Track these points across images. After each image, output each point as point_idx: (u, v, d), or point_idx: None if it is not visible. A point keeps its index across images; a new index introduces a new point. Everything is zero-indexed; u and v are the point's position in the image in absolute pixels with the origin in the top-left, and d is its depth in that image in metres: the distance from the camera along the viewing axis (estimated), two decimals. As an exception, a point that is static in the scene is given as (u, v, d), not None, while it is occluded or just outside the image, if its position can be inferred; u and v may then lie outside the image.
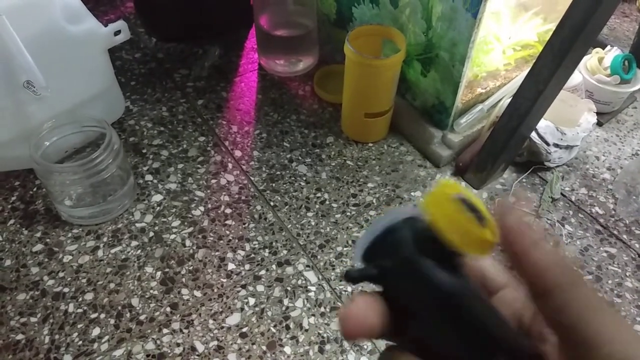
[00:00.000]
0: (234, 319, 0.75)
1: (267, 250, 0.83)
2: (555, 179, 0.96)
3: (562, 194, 0.95)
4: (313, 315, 0.76)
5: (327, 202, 0.91)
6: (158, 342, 0.72)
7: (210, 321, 0.74)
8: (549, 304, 0.19)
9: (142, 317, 0.74)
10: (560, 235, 0.89)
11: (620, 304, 0.80)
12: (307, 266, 0.81)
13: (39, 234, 0.83)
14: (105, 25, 0.87)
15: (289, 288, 0.79)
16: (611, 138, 1.07)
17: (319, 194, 0.92)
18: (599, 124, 1.08)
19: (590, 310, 0.18)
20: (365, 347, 0.73)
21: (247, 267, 0.81)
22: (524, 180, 0.97)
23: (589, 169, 1.00)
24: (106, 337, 0.72)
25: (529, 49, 1.01)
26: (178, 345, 0.72)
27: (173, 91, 1.09)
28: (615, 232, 0.90)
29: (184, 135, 1.00)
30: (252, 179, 0.94)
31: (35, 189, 0.89)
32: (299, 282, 0.80)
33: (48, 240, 0.83)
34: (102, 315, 0.74)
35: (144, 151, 0.97)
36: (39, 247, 0.82)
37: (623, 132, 1.08)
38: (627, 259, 0.86)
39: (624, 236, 0.89)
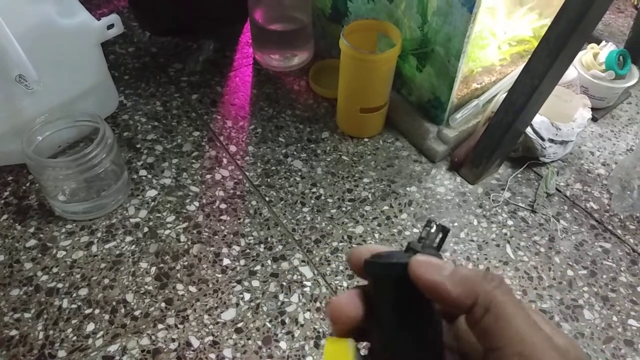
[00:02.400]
0: (229, 314, 0.75)
1: (262, 246, 0.83)
2: (550, 174, 0.96)
3: (557, 189, 0.96)
4: (308, 310, 0.76)
5: (323, 198, 0.90)
6: (153, 337, 0.72)
7: (206, 316, 0.74)
8: (471, 318, 0.21)
9: (136, 313, 0.74)
10: (555, 230, 0.89)
11: (614, 298, 0.81)
12: (303, 261, 0.81)
13: (32, 230, 0.83)
14: (98, 19, 0.86)
15: (284, 283, 0.79)
16: (606, 133, 1.07)
17: (314, 189, 0.92)
18: (594, 119, 1.09)
19: (500, 318, 0.20)
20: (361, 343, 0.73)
21: (242, 262, 0.81)
22: (519, 175, 0.97)
23: (583, 164, 1.01)
24: (101, 333, 0.72)
25: (524, 44, 1.01)
26: (173, 340, 0.72)
27: (167, 86, 1.08)
28: (610, 227, 0.90)
29: (178, 130, 1.00)
30: (247, 174, 0.93)
31: (28, 184, 0.89)
32: (295, 277, 0.79)
33: (42, 235, 0.82)
34: (97, 311, 0.74)
35: (138, 146, 0.96)
36: (32, 242, 0.81)
37: (618, 128, 1.09)
38: (621, 254, 0.87)
39: (619, 231, 0.90)
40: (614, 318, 0.78)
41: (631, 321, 0.78)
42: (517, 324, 0.20)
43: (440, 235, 0.25)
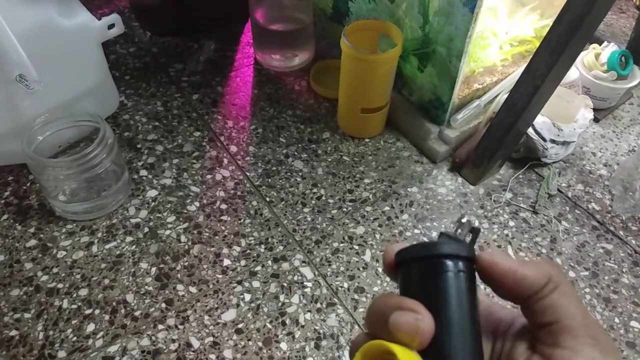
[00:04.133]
0: (229, 315, 0.74)
1: (262, 246, 0.83)
2: (551, 175, 0.96)
3: (558, 190, 0.95)
4: (309, 311, 0.76)
5: (324, 198, 0.90)
6: (153, 338, 0.72)
7: (206, 317, 0.74)
8: (539, 294, 0.23)
9: (137, 313, 0.74)
10: (556, 231, 0.89)
11: (616, 300, 0.80)
12: (303, 262, 0.81)
13: (32, 230, 0.83)
14: (99, 19, 0.86)
15: (285, 284, 0.78)
16: (608, 134, 1.07)
17: (315, 190, 0.91)
18: (596, 120, 1.08)
19: (563, 297, 0.22)
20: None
21: (242, 262, 0.80)
22: (520, 176, 0.97)
23: (585, 165, 1.00)
24: (101, 333, 0.72)
25: (525, 44, 1.00)
26: (173, 341, 0.71)
27: (168, 86, 1.08)
28: (612, 229, 0.90)
29: (179, 130, 1.00)
30: (248, 174, 0.93)
31: (28, 184, 0.89)
32: (295, 278, 0.79)
33: (42, 235, 0.82)
34: (97, 311, 0.74)
35: (139, 146, 0.96)
36: (32, 242, 0.81)
37: (619, 128, 1.08)
38: (623, 255, 0.86)
39: (621, 232, 0.89)
40: (616, 320, 0.78)
41: (633, 323, 0.78)
42: (580, 305, 0.23)
43: (472, 236, 0.25)
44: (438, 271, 0.22)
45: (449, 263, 0.23)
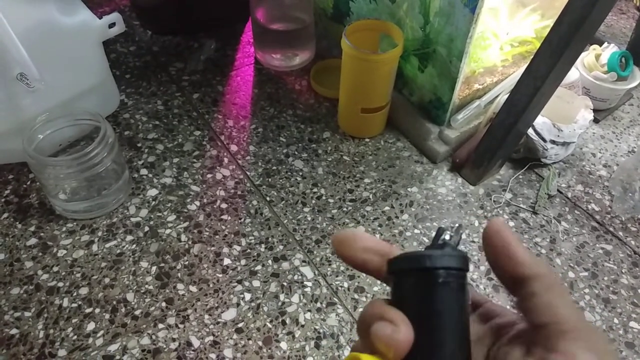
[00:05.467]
0: (229, 314, 0.75)
1: (263, 246, 0.83)
2: (551, 176, 0.96)
3: (558, 190, 0.95)
4: (309, 310, 0.76)
5: (324, 198, 0.90)
6: (153, 337, 0.72)
7: (206, 316, 0.74)
8: (525, 290, 0.23)
9: (137, 312, 0.74)
10: (556, 232, 0.89)
11: (616, 300, 0.81)
12: (303, 261, 0.81)
13: (32, 228, 0.83)
14: (100, 18, 0.86)
15: (285, 283, 0.78)
16: (607, 135, 1.07)
17: (315, 189, 0.92)
18: (596, 120, 1.09)
19: (559, 298, 0.22)
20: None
21: (243, 262, 0.81)
22: (520, 176, 0.97)
23: (585, 166, 1.01)
24: (101, 332, 0.72)
25: (526, 45, 1.01)
26: (174, 340, 0.71)
27: (168, 85, 1.08)
28: (611, 229, 0.90)
29: (179, 129, 1.00)
30: (248, 173, 0.93)
31: (29, 183, 0.89)
32: (295, 277, 0.79)
33: (42, 234, 0.82)
34: (97, 310, 0.74)
35: (139, 145, 0.96)
36: (33, 241, 0.81)
37: (619, 129, 1.09)
38: (622, 256, 0.86)
39: (620, 233, 0.90)
40: (615, 320, 0.78)
41: (632, 323, 0.78)
42: (573, 308, 0.22)
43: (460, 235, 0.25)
44: (425, 282, 0.23)
45: (435, 274, 0.22)
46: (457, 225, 0.26)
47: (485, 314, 0.26)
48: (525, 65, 0.78)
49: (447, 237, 0.25)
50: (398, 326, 0.21)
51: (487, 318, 0.26)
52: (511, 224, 0.89)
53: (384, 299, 0.24)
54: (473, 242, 0.86)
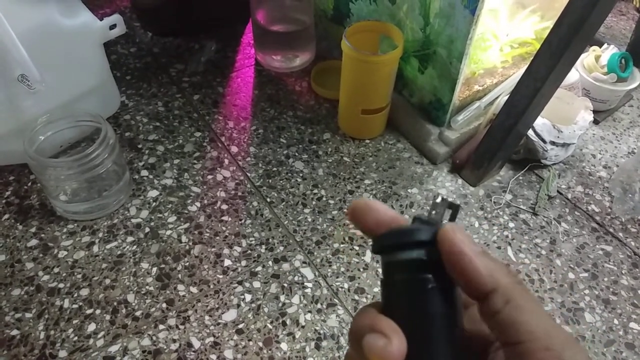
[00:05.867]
0: (230, 315, 0.75)
1: (263, 247, 0.83)
2: (551, 177, 0.96)
3: (558, 191, 0.96)
4: (309, 311, 0.76)
5: (324, 199, 0.90)
6: (154, 338, 0.72)
7: (207, 317, 0.74)
8: (487, 306, 0.21)
9: (137, 313, 0.74)
10: (556, 233, 0.89)
11: (615, 301, 0.81)
12: (304, 262, 0.81)
13: (33, 229, 0.83)
14: (101, 19, 0.86)
15: (285, 284, 0.79)
16: (607, 136, 1.07)
17: (315, 191, 0.92)
18: (596, 122, 1.09)
19: (522, 312, 0.20)
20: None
21: (243, 263, 0.81)
22: (520, 177, 0.97)
23: (585, 167, 1.01)
24: (102, 333, 0.72)
25: (526, 46, 1.01)
26: (174, 341, 0.72)
27: (169, 86, 1.08)
28: (611, 230, 0.90)
29: (180, 130, 1.00)
30: (249, 174, 0.93)
31: (30, 184, 0.89)
32: (296, 278, 0.79)
33: (43, 235, 0.82)
34: (98, 311, 0.74)
35: (140, 146, 0.96)
36: (33, 242, 0.81)
37: (619, 130, 1.09)
38: (622, 257, 0.87)
39: (620, 234, 0.90)
40: (615, 321, 0.78)
41: (632, 324, 0.78)
42: (540, 318, 0.20)
43: (451, 212, 0.24)
44: (418, 289, 0.22)
45: (432, 278, 0.22)
46: (440, 199, 0.23)
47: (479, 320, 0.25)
48: (525, 67, 0.78)
49: (436, 211, 0.23)
50: (390, 339, 0.21)
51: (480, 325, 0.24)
52: (511, 225, 0.90)
53: (374, 304, 0.24)
54: (473, 243, 0.86)
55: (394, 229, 0.23)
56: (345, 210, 0.89)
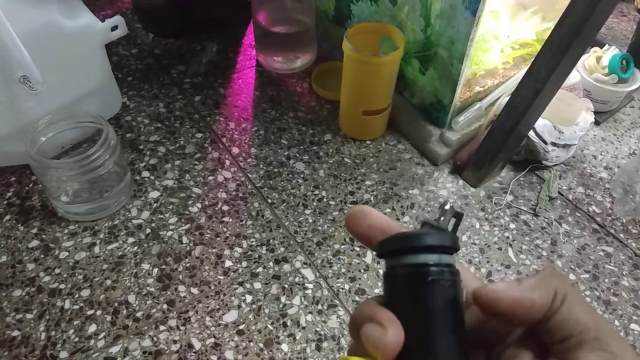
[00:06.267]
0: (231, 316, 0.75)
1: (264, 248, 0.83)
2: (552, 178, 0.96)
3: (559, 192, 0.95)
4: (310, 312, 0.76)
5: (325, 200, 0.90)
6: (155, 339, 0.72)
7: (207, 318, 0.74)
8: (546, 330, 0.21)
9: (138, 314, 0.74)
10: (557, 234, 0.89)
11: (616, 302, 0.81)
12: (305, 264, 0.81)
13: (35, 230, 0.83)
14: (102, 21, 0.86)
15: (286, 285, 0.79)
16: (608, 137, 1.07)
17: (316, 192, 0.92)
18: (597, 123, 1.09)
19: (575, 307, 0.21)
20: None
21: (244, 264, 0.81)
22: (521, 179, 0.97)
23: (586, 168, 1.01)
24: (102, 334, 0.72)
25: (527, 47, 1.01)
26: (175, 342, 0.72)
27: (170, 87, 1.08)
28: (612, 231, 0.90)
29: (181, 131, 1.00)
30: (250, 176, 0.93)
31: (31, 185, 0.89)
32: (296, 279, 0.79)
33: (44, 236, 0.82)
34: (99, 312, 0.74)
35: (141, 147, 0.97)
36: (35, 243, 0.81)
37: (620, 131, 1.09)
38: (623, 258, 0.86)
39: (621, 235, 0.90)
40: (616, 322, 0.78)
41: (633, 325, 0.78)
42: (589, 312, 0.21)
43: (454, 220, 0.24)
44: (419, 284, 0.22)
45: (423, 272, 0.22)
46: (449, 206, 0.24)
47: (480, 315, 0.24)
48: (527, 68, 0.78)
49: (443, 217, 0.23)
50: (386, 328, 0.21)
51: (482, 319, 0.24)
52: (512, 226, 0.90)
53: (376, 297, 0.24)
54: (474, 244, 0.86)
55: (402, 233, 0.23)
56: (346, 210, 0.89)
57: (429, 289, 0.22)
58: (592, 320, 0.21)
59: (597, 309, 0.80)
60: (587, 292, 0.82)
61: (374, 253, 0.24)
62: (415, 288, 0.22)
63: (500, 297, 0.21)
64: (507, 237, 0.88)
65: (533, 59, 0.76)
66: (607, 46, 1.09)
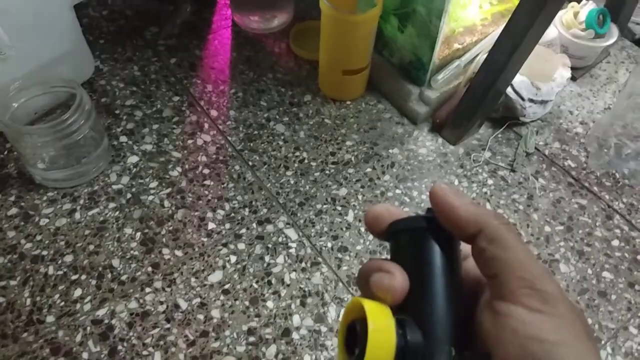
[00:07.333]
0: (216, 277, 0.76)
1: (247, 209, 0.83)
2: (529, 134, 0.98)
3: (536, 148, 0.97)
4: (294, 270, 0.77)
5: (306, 161, 0.91)
6: (141, 300, 0.73)
7: (193, 279, 0.75)
8: (477, 247, 0.24)
9: (123, 278, 0.75)
10: (533, 189, 0.91)
11: (589, 252, 0.84)
12: (287, 224, 0.82)
13: (12, 198, 0.82)
14: (70, -20, 0.83)
15: (269, 245, 0.80)
16: (585, 93, 1.09)
17: (297, 153, 0.92)
18: (573, 78, 1.10)
19: (504, 247, 0.23)
20: (346, 299, 0.75)
21: (227, 226, 0.81)
22: (499, 135, 0.98)
23: (562, 124, 1.02)
24: (88, 298, 0.72)
25: (505, 3, 1.00)
26: (161, 303, 0.73)
27: (144, 50, 1.06)
28: (587, 185, 0.93)
29: (157, 95, 0.98)
30: (230, 138, 0.93)
31: (6, 153, 0.87)
32: (280, 239, 0.80)
33: (23, 203, 0.81)
34: (83, 277, 0.74)
35: (117, 112, 0.95)
36: (13, 210, 0.80)
37: (596, 87, 1.10)
38: (597, 210, 0.89)
39: (595, 188, 0.92)
40: (589, 271, 0.82)
41: (605, 273, 0.82)
42: (518, 252, 0.23)
43: None
44: (418, 241, 0.26)
45: (429, 233, 0.26)
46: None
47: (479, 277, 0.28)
48: (504, 24, 0.78)
49: None
50: (394, 274, 0.24)
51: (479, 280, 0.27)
52: (490, 181, 0.91)
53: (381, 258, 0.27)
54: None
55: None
56: (326, 172, 0.89)
57: (427, 245, 0.25)
58: (518, 260, 0.23)
59: (571, 258, 0.83)
60: (562, 243, 0.84)
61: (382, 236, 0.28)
62: (416, 244, 0.26)
63: (441, 196, 0.25)
64: (485, 193, 0.90)
65: (510, 15, 0.76)
66: (584, 1, 1.09)
